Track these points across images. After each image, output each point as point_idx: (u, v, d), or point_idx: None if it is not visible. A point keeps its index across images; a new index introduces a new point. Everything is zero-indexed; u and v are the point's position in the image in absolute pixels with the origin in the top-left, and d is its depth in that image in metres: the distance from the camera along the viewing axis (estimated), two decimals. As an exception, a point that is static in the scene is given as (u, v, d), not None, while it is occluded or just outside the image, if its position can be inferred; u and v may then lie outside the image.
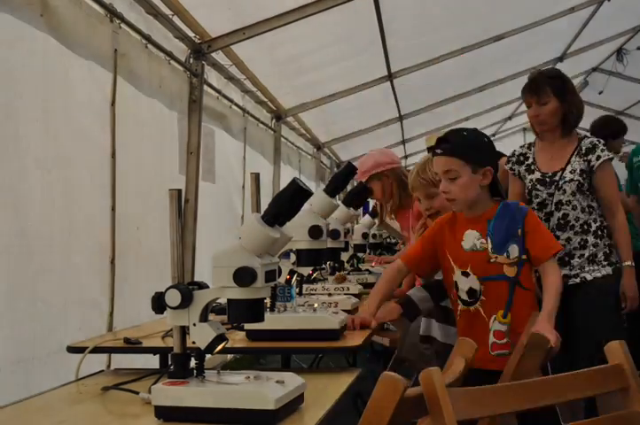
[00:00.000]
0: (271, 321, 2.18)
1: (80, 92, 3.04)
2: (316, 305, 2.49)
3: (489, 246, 2.31)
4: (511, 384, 1.25)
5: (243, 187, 5.78)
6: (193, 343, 1.58)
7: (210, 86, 4.73)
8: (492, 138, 16.83)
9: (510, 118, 13.68)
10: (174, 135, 4.10)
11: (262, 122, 6.30)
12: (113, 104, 3.23)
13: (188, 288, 1.57)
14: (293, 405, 1.57)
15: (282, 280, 2.40)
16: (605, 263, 2.98)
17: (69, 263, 2.87)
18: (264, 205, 1.66)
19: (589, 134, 4.09)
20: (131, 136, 3.49)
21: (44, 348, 2.67)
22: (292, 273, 2.46)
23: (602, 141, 3.09)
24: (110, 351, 2.32)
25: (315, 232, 2.33)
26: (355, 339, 2.28)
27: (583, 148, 3.05)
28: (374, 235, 5.15)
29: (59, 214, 2.82)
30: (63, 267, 2.83)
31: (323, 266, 3.62)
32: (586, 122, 13.08)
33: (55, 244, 2.78)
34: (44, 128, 2.75)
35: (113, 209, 3.19)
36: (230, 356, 5.30)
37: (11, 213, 2.56)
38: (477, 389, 1.21)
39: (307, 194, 1.62)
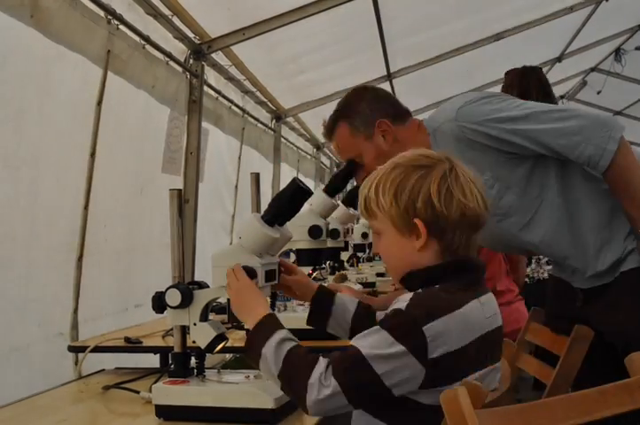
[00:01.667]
0: (271, 321, 2.19)
1: (64, 93, 3.03)
2: (315, 305, 2.49)
3: None
4: (537, 403, 1.20)
5: (236, 186, 5.80)
6: (193, 342, 1.59)
7: (210, 86, 4.73)
8: None
9: (509, 118, 13.67)
10: (161, 135, 4.09)
11: (262, 122, 6.30)
12: (99, 103, 3.22)
13: (188, 287, 1.57)
14: (293, 404, 1.58)
15: (282, 279, 2.40)
16: None
17: (30, 260, 2.87)
18: (263, 206, 1.67)
19: None
20: (115, 136, 3.48)
21: (5, 345, 2.67)
22: (291, 272, 2.47)
23: None
24: (111, 350, 2.33)
25: (315, 232, 2.34)
26: (354, 339, 2.28)
27: None
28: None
29: (22, 212, 2.81)
30: (23, 264, 2.83)
31: (323, 265, 3.62)
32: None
33: (16, 241, 2.77)
34: (18, 128, 2.74)
35: (86, 208, 3.19)
36: (229, 355, 5.30)
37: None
38: (503, 409, 1.16)
39: (307, 194, 1.62)
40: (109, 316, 3.41)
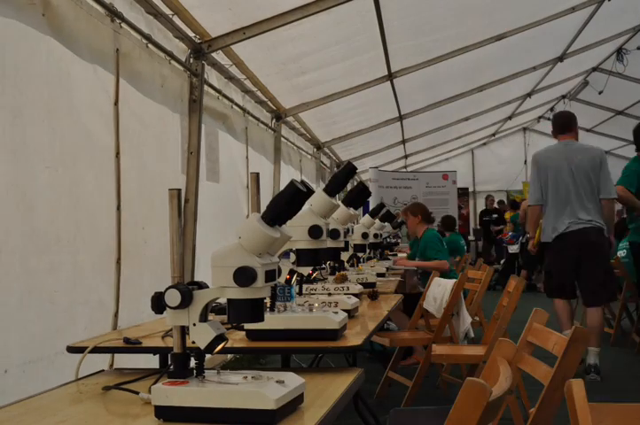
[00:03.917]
0: (271, 321, 2.19)
1: (83, 92, 3.04)
2: (315, 305, 2.48)
3: None
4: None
5: (247, 186, 5.79)
6: (193, 342, 1.58)
7: (210, 86, 4.73)
8: (492, 138, 17.14)
9: (510, 117, 13.68)
10: (176, 135, 4.10)
11: (263, 122, 6.29)
12: (116, 103, 3.23)
13: (188, 288, 1.56)
14: (293, 404, 1.57)
15: (282, 280, 2.39)
16: None
17: (75, 263, 2.87)
18: (264, 205, 1.67)
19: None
20: (134, 136, 3.49)
21: (53, 348, 2.67)
22: (292, 272, 2.46)
23: None
24: (110, 351, 2.32)
25: (315, 232, 2.33)
26: (355, 339, 2.28)
27: None
28: (375, 235, 5.15)
29: (66, 214, 2.82)
30: (69, 267, 2.83)
31: (323, 265, 3.61)
32: (586, 122, 13.23)
33: (62, 244, 2.78)
34: (50, 128, 2.75)
35: (119, 209, 3.18)
36: (229, 356, 5.30)
37: (20, 213, 2.57)
38: (622, 405, 1.16)
39: (305, 195, 1.62)
40: (150, 318, 3.42)
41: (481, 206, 15.70)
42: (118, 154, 3.20)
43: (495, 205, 14.78)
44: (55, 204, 2.75)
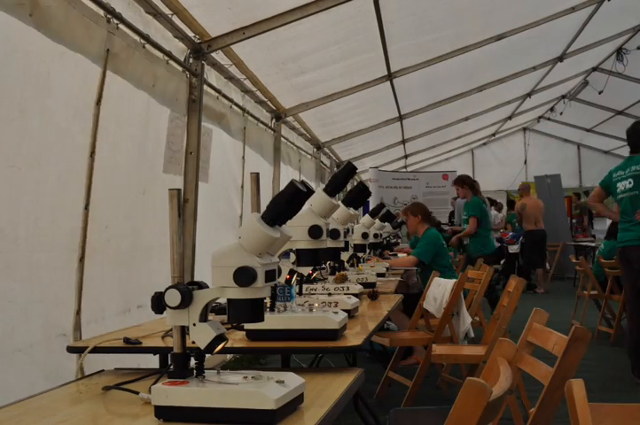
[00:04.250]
0: (271, 321, 2.19)
1: (63, 92, 3.01)
2: (315, 305, 2.48)
3: None
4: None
5: (242, 186, 5.78)
6: (193, 342, 1.58)
7: (210, 86, 4.73)
8: (492, 138, 17.13)
9: (510, 117, 13.69)
10: (163, 135, 4.08)
11: (262, 122, 6.29)
12: (98, 103, 3.21)
13: (188, 288, 1.56)
14: (293, 404, 1.57)
15: (282, 280, 2.39)
16: None
17: (32, 261, 2.85)
18: (263, 206, 1.67)
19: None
20: (117, 136, 3.46)
21: (9, 346, 2.66)
22: (292, 272, 2.46)
23: None
24: (110, 351, 2.32)
25: (315, 232, 2.33)
26: (355, 339, 2.28)
27: None
28: (375, 235, 5.15)
29: (25, 213, 2.80)
30: (26, 266, 2.81)
31: (323, 265, 3.62)
32: (586, 122, 13.28)
33: (19, 243, 2.76)
34: (20, 127, 2.73)
35: (87, 208, 3.17)
36: (229, 356, 5.30)
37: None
38: (622, 405, 1.16)
39: (305, 195, 1.62)
40: (112, 317, 3.41)
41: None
42: (92, 154, 3.19)
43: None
44: (14, 202, 2.72)
